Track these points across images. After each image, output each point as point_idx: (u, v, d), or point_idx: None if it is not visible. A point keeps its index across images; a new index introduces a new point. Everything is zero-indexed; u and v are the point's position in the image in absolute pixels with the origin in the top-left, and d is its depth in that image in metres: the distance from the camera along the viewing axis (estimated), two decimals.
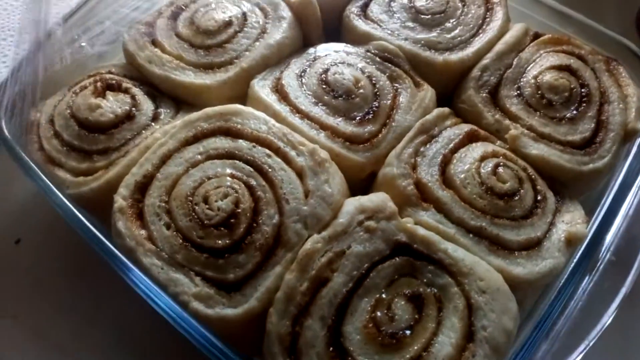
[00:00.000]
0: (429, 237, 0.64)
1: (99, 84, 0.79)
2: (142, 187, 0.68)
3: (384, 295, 0.60)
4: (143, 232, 0.65)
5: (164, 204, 0.66)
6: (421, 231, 0.64)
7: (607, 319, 0.61)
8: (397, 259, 0.63)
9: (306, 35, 0.90)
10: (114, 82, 0.80)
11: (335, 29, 0.94)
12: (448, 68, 0.83)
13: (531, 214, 0.69)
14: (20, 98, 0.83)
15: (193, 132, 0.72)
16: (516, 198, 0.69)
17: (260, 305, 0.60)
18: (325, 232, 0.63)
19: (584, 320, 0.62)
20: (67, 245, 0.83)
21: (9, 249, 0.86)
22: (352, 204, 0.66)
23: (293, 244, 0.63)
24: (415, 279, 0.62)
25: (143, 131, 0.75)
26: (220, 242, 0.62)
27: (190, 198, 0.65)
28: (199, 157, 0.69)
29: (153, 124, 0.77)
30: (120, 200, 0.67)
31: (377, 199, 0.66)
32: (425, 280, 0.62)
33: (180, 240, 0.63)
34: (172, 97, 0.81)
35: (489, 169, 0.71)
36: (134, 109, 0.77)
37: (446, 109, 0.79)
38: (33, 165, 0.72)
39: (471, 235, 0.66)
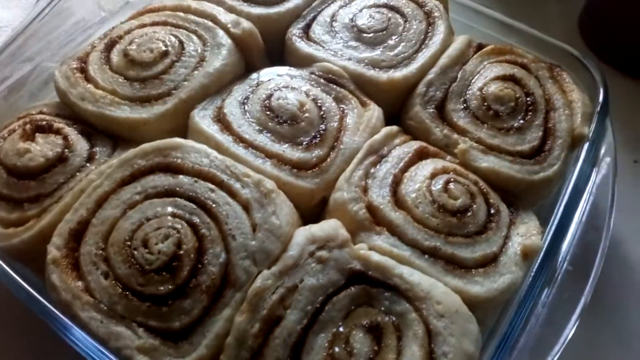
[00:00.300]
0: (384, 263, 0.61)
1: (27, 126, 0.74)
2: (77, 235, 0.64)
3: (341, 329, 0.58)
4: (80, 283, 0.60)
5: (100, 252, 0.62)
6: (375, 257, 0.62)
7: (569, 331, 0.60)
8: (353, 288, 0.60)
9: (248, 61, 0.87)
10: (44, 123, 0.75)
11: (279, 52, 0.92)
12: (393, 86, 0.82)
13: (485, 229, 0.68)
14: None
15: (130, 170, 0.68)
16: (469, 214, 0.68)
17: (209, 353, 0.56)
18: (275, 267, 0.60)
19: (547, 335, 0.60)
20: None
21: None
22: (302, 235, 0.63)
23: (242, 282, 0.59)
24: (372, 308, 0.59)
25: (77, 173, 0.71)
26: (162, 288, 0.58)
27: (129, 243, 0.61)
28: (137, 197, 0.65)
29: (88, 164, 0.72)
30: (53, 250, 0.62)
31: (328, 227, 0.63)
32: (382, 308, 0.59)
33: (120, 290, 0.59)
34: (109, 135, 0.77)
35: (440, 186, 0.69)
36: (66, 150, 0.72)
37: (394, 127, 0.78)
38: None
39: (426, 257, 0.64)
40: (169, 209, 0.64)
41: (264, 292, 0.58)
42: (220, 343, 0.56)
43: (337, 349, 0.56)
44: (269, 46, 0.90)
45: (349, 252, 0.62)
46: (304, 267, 0.60)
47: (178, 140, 0.70)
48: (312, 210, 0.72)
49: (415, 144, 0.76)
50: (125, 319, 0.58)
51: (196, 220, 0.63)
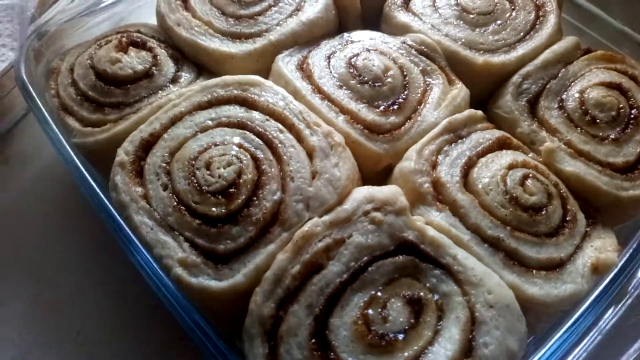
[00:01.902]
0: (439, 240, 0.58)
1: (123, 39, 0.77)
2: (147, 146, 0.66)
3: (380, 294, 0.55)
4: (139, 189, 0.62)
5: (165, 165, 0.63)
6: (431, 232, 0.59)
7: (628, 359, 0.54)
8: (401, 257, 0.57)
9: (342, 22, 0.86)
10: (139, 39, 0.78)
11: (375, 19, 0.90)
12: (487, 70, 0.77)
13: (557, 233, 0.63)
14: (46, 44, 0.82)
15: (208, 97, 0.69)
16: (542, 213, 0.63)
17: (246, 282, 0.56)
18: (326, 217, 0.58)
19: (602, 357, 0.55)
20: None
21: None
22: (360, 192, 0.61)
23: (291, 224, 0.59)
24: (417, 282, 0.57)
25: (159, 91, 0.73)
26: (215, 210, 0.59)
27: (193, 162, 0.62)
28: (210, 122, 0.66)
29: (171, 86, 0.74)
30: (122, 154, 0.64)
31: (388, 190, 0.61)
32: (428, 284, 0.56)
33: (175, 203, 0.60)
34: (195, 63, 0.79)
35: (517, 178, 0.65)
36: (154, 67, 0.75)
37: (479, 112, 0.73)
38: (43, 109, 0.70)
39: (486, 245, 0.60)
40: (237, 139, 0.64)
41: (311, 237, 0.57)
42: (259, 276, 0.56)
43: (371, 312, 0.54)
44: (366, 12, 0.89)
45: (405, 221, 0.59)
46: (356, 223, 0.58)
47: (259, 78, 0.71)
48: (375, 176, 0.70)
49: (497, 133, 0.72)
50: (174, 231, 0.59)
51: (260, 155, 0.63)
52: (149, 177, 0.63)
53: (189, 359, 0.70)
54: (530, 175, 0.66)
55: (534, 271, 0.59)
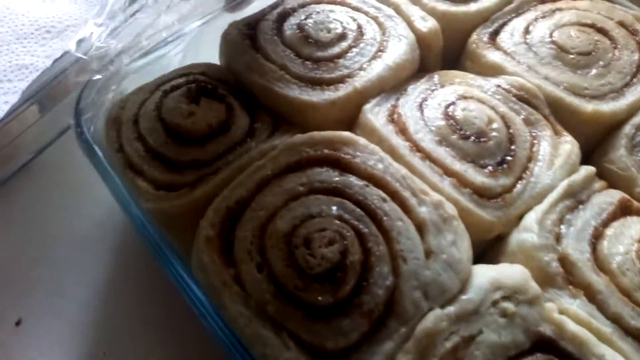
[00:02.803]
0: (581, 336, 0.51)
1: (192, 85, 0.70)
2: (233, 215, 0.58)
3: None
4: (232, 270, 0.55)
5: (257, 240, 0.56)
6: (571, 326, 0.51)
7: None
8: (538, 355, 0.50)
9: (423, 60, 0.79)
10: (209, 86, 0.71)
11: (454, 55, 0.82)
12: (597, 119, 0.69)
13: None
14: (100, 90, 0.75)
15: (296, 157, 0.61)
16: None
17: None
18: (451, 308, 0.51)
19: None
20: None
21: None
22: (484, 276, 0.53)
23: (408, 316, 0.51)
24: None
25: (237, 147, 0.66)
26: (322, 298, 0.51)
27: (289, 238, 0.55)
28: (301, 188, 0.59)
29: (249, 140, 0.67)
30: (208, 227, 0.57)
31: (517, 274, 0.53)
32: None
33: (274, 289, 0.53)
34: (269, 112, 0.71)
35: None
36: (229, 120, 0.67)
37: (592, 169, 0.66)
38: (110, 170, 0.63)
39: (630, 339, 0.52)
40: (336, 211, 0.56)
41: (436, 335, 0.49)
42: None
43: None
44: (445, 47, 0.81)
45: (540, 312, 0.52)
46: (485, 316, 0.51)
47: (351, 135, 0.63)
48: (477, 246, 0.62)
49: (617, 194, 0.64)
50: (275, 324, 0.51)
51: (364, 229, 0.55)
52: (240, 255, 0.55)
53: None
54: None
55: None
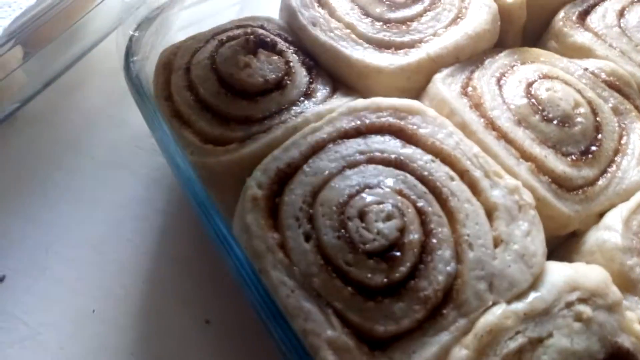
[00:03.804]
0: None
1: (251, 37, 0.65)
2: (283, 178, 0.54)
3: None
4: (276, 235, 0.50)
5: (307, 207, 0.51)
6: None
7: None
8: None
9: (501, 36, 0.71)
10: (268, 39, 0.66)
11: (536, 34, 0.75)
12: None
13: None
14: (154, 34, 0.71)
15: (356, 123, 0.56)
16: None
17: None
18: (519, 305, 0.45)
19: None
20: None
21: None
22: (559, 274, 0.47)
23: (470, 308, 0.46)
24: None
25: (292, 107, 0.61)
26: (374, 277, 0.46)
27: (343, 208, 0.50)
28: (360, 156, 0.54)
29: (305, 100, 0.62)
30: (255, 187, 0.52)
31: (596, 276, 0.47)
32: None
33: (322, 261, 0.48)
34: (329, 74, 0.66)
35: None
36: (286, 77, 0.62)
37: None
38: (161, 118, 0.59)
39: None
40: (396, 184, 0.51)
41: (500, 332, 0.44)
42: None
43: None
44: (526, 23, 0.73)
45: (619, 321, 0.45)
46: (557, 318, 0.45)
47: (419, 104, 0.57)
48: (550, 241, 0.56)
49: None
50: (320, 298, 0.47)
51: (427, 208, 0.50)
52: (287, 221, 0.51)
53: None
54: None
55: None
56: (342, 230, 0.49)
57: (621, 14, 0.71)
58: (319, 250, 0.49)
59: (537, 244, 0.48)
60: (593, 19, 0.70)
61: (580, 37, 0.68)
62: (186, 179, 0.54)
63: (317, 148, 0.55)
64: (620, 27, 0.69)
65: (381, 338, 0.46)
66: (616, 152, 0.58)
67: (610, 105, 0.61)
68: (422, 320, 0.46)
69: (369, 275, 0.47)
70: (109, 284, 0.67)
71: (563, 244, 0.57)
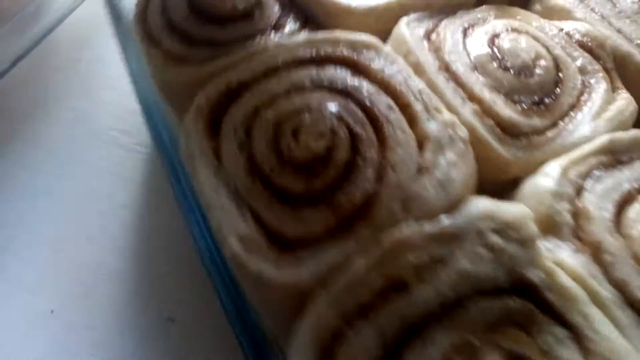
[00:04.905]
0: (571, 291, 0.44)
1: None
2: (232, 94, 0.56)
3: (475, 340, 0.42)
4: (213, 143, 0.53)
5: (246, 121, 0.53)
6: (563, 278, 0.44)
7: None
8: (516, 300, 0.44)
9: None
10: None
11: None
12: None
13: None
14: None
15: (312, 53, 0.58)
16: None
17: (311, 281, 0.45)
18: (428, 227, 0.46)
19: None
20: None
21: None
22: (477, 205, 0.47)
23: (381, 223, 0.46)
24: (528, 337, 0.43)
25: (258, 36, 0.63)
26: (292, 184, 0.48)
27: (279, 124, 0.52)
28: (308, 83, 0.55)
29: (272, 33, 0.64)
30: (203, 99, 0.55)
31: (516, 211, 0.47)
32: (542, 343, 0.42)
33: (249, 166, 0.50)
34: (301, 10, 0.68)
35: None
36: (256, 8, 0.65)
37: None
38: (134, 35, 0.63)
39: (631, 311, 0.44)
40: (336, 109, 0.52)
41: (403, 247, 0.44)
42: (327, 275, 0.45)
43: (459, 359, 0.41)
44: None
45: (531, 255, 0.45)
46: (464, 243, 0.45)
47: (376, 41, 0.58)
48: (490, 186, 0.55)
49: None
50: (241, 199, 0.49)
51: (360, 132, 0.51)
52: (226, 130, 0.53)
53: None
54: None
55: None
56: (274, 142, 0.51)
57: None
58: (248, 158, 0.51)
59: (460, 174, 0.48)
60: None
61: (561, 0, 0.67)
62: (144, 97, 0.57)
63: (270, 72, 0.57)
64: None
65: (291, 241, 0.47)
66: (572, 107, 0.57)
67: (578, 64, 0.60)
68: (332, 229, 0.47)
69: (289, 182, 0.48)
70: (68, 283, 0.65)
71: (507, 195, 0.56)
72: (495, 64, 0.57)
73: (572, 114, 0.56)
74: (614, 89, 0.60)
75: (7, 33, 0.78)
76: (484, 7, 0.66)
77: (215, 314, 0.61)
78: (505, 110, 0.55)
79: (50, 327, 0.61)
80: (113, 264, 0.67)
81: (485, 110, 0.55)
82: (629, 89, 0.60)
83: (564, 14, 0.66)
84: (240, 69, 0.57)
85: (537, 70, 0.57)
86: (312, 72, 0.56)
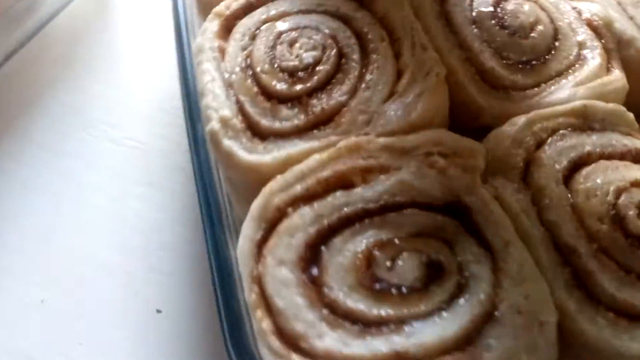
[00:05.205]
0: (499, 218, 0.47)
1: None
2: (250, 9, 0.63)
3: (399, 241, 0.46)
4: (222, 42, 0.60)
5: (255, 30, 0.60)
6: (495, 208, 0.48)
7: None
8: (445, 217, 0.48)
9: None
10: None
11: None
12: None
13: None
14: None
15: None
16: None
17: (271, 166, 0.51)
18: (382, 139, 0.51)
19: None
20: None
21: None
22: (435, 131, 0.52)
23: (344, 130, 0.52)
24: (448, 249, 0.47)
25: None
26: (276, 85, 0.55)
27: (280, 35, 0.58)
28: (316, 7, 0.61)
29: None
30: (223, 6, 0.63)
31: (465, 142, 0.51)
32: (459, 258, 0.46)
33: (244, 65, 0.57)
34: None
35: (637, 200, 0.50)
36: None
37: (629, 113, 0.58)
38: None
39: (555, 254, 0.47)
40: (332, 31, 0.58)
41: (356, 149, 0.50)
42: (287, 165, 0.50)
43: (379, 253, 0.46)
44: None
45: (470, 181, 0.49)
46: (411, 160, 0.50)
47: None
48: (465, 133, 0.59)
49: None
50: (231, 89, 0.56)
51: (349, 52, 0.57)
52: (235, 34, 0.60)
53: None
54: None
55: (601, 308, 0.45)
56: (271, 49, 0.57)
57: None
58: (246, 58, 0.58)
59: (425, 103, 0.52)
60: None
61: None
62: None
63: None
64: None
65: (264, 133, 0.54)
66: (560, 73, 0.59)
67: (579, 38, 0.62)
68: (301, 128, 0.53)
69: (275, 82, 0.55)
70: (59, 273, 0.66)
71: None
72: (493, 22, 0.61)
73: (557, 78, 0.59)
74: (608, 68, 0.61)
75: (0, 27, 0.78)
76: None
77: (203, 306, 0.63)
78: (491, 61, 0.58)
79: (39, 316, 0.63)
80: (103, 255, 0.68)
81: (471, 59, 0.58)
82: (630, 75, 0.62)
83: None
84: None
85: (533, 34, 0.60)
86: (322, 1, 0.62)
